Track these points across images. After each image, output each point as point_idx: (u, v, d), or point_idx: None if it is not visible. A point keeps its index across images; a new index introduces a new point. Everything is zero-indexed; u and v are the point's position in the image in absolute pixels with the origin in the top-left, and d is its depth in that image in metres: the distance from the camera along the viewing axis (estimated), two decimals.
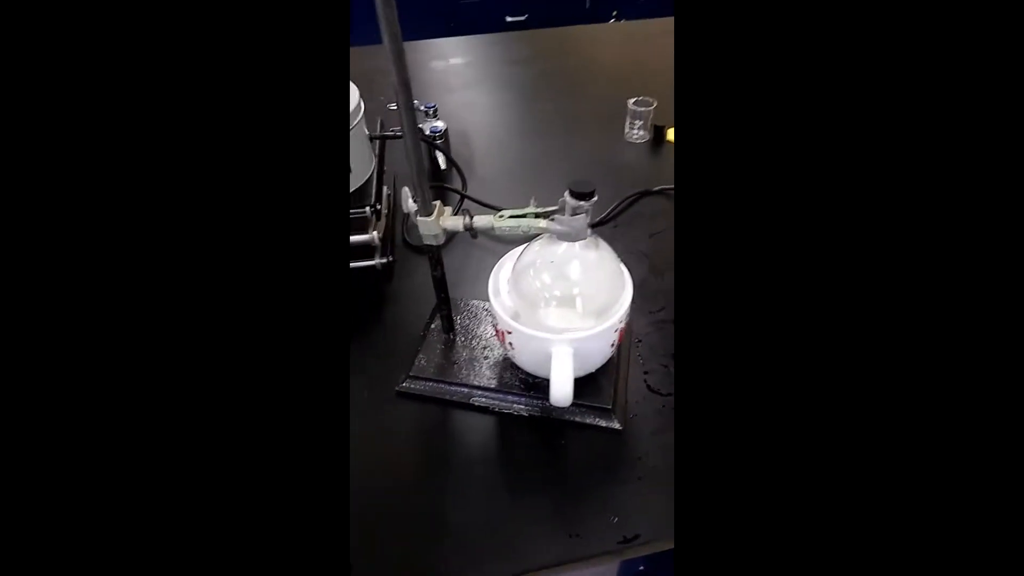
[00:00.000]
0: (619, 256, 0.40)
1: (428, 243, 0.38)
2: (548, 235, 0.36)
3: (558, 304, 0.38)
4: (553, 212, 0.35)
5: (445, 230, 0.37)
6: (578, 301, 0.38)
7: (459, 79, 0.91)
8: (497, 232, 0.36)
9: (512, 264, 0.40)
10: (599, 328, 0.36)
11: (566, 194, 0.34)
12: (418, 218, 0.36)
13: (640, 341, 0.47)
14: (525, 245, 0.39)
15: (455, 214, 0.37)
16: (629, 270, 0.40)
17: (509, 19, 2.18)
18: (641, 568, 0.62)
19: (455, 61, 0.96)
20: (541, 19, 2.18)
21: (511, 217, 0.36)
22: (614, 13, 1.85)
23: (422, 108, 0.65)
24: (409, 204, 0.37)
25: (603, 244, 0.38)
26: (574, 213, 0.34)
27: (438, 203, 0.37)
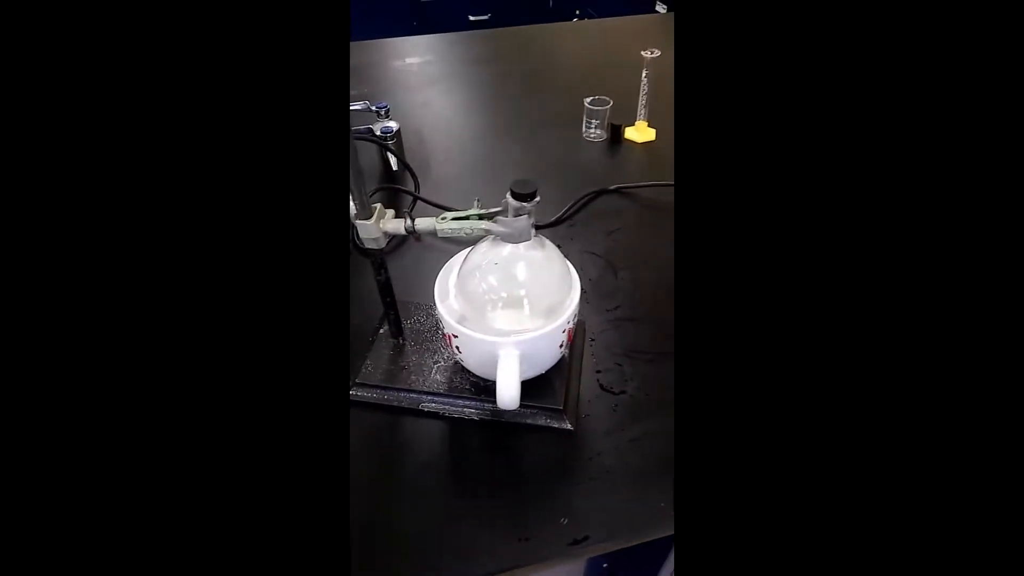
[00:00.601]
0: (575, 255, 0.40)
1: (369, 247, 0.37)
2: (492, 237, 0.36)
3: (505, 306, 0.37)
4: (497, 213, 0.35)
5: (386, 233, 0.36)
6: (525, 302, 0.37)
7: (417, 78, 0.89)
8: (440, 235, 0.35)
9: (458, 266, 0.39)
10: (546, 329, 0.36)
11: (508, 195, 0.33)
12: (356, 221, 0.35)
13: (594, 340, 0.47)
14: (471, 247, 0.39)
15: (401, 214, 0.36)
16: (586, 268, 0.40)
17: (472, 18, 2.17)
18: (605, 565, 0.62)
19: (413, 60, 0.95)
20: (505, 18, 2.18)
21: (454, 219, 0.35)
22: (576, 12, 1.86)
23: (373, 108, 0.64)
24: (350, 207, 0.36)
25: (549, 244, 0.38)
26: (517, 214, 0.34)
27: (379, 206, 0.36)
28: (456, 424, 0.40)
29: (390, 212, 0.37)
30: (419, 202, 0.60)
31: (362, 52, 0.98)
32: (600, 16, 1.69)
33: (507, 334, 0.35)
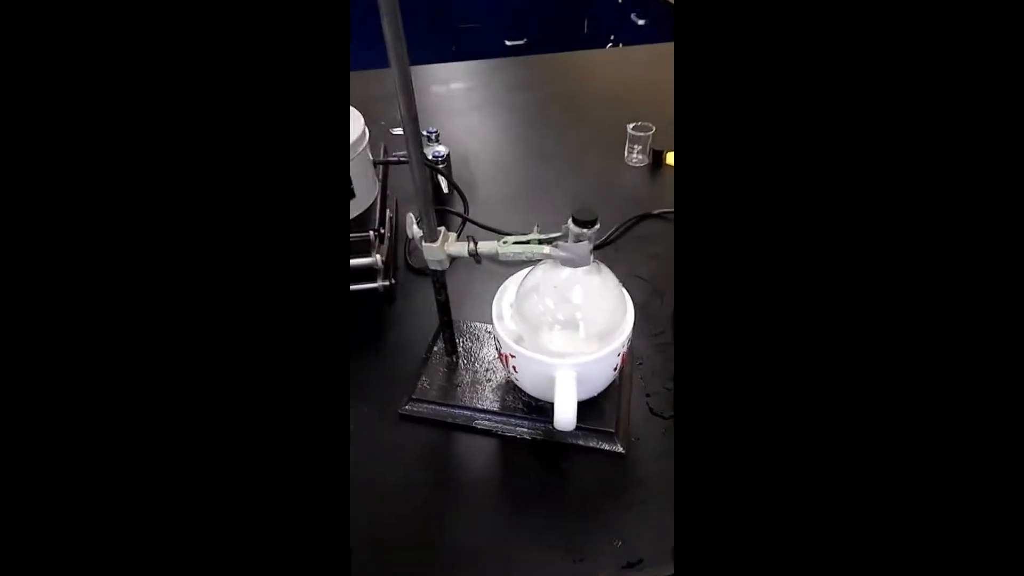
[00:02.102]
0: (620, 278, 0.40)
1: (433, 268, 0.39)
2: (551, 260, 0.37)
3: (561, 328, 0.38)
4: (556, 238, 0.36)
5: (449, 255, 0.38)
6: (581, 325, 0.38)
7: (460, 104, 0.92)
8: (501, 258, 0.37)
9: (515, 288, 0.40)
10: (602, 352, 0.36)
11: (569, 221, 0.35)
12: (423, 244, 0.37)
13: (641, 363, 0.47)
14: (528, 269, 0.40)
15: (458, 237, 0.38)
16: (630, 292, 0.41)
17: (508, 43, 2.23)
18: None
19: (456, 86, 0.98)
20: (540, 43, 2.23)
21: (515, 243, 0.36)
22: (611, 38, 1.89)
23: (424, 133, 0.66)
24: (414, 230, 0.37)
25: (605, 269, 0.39)
26: (577, 240, 0.35)
27: (442, 229, 0.38)
28: (508, 442, 0.41)
29: (452, 235, 0.39)
30: (468, 223, 0.62)
31: None
32: (634, 42, 1.72)
33: (563, 356, 0.36)
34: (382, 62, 0.34)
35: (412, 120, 0.32)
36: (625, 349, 0.38)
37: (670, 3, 1.50)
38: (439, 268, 0.39)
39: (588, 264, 0.36)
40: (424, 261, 0.38)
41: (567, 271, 0.37)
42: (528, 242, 0.36)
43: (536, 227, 0.37)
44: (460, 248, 0.37)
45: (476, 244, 0.37)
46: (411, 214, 0.38)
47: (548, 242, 0.36)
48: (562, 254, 0.35)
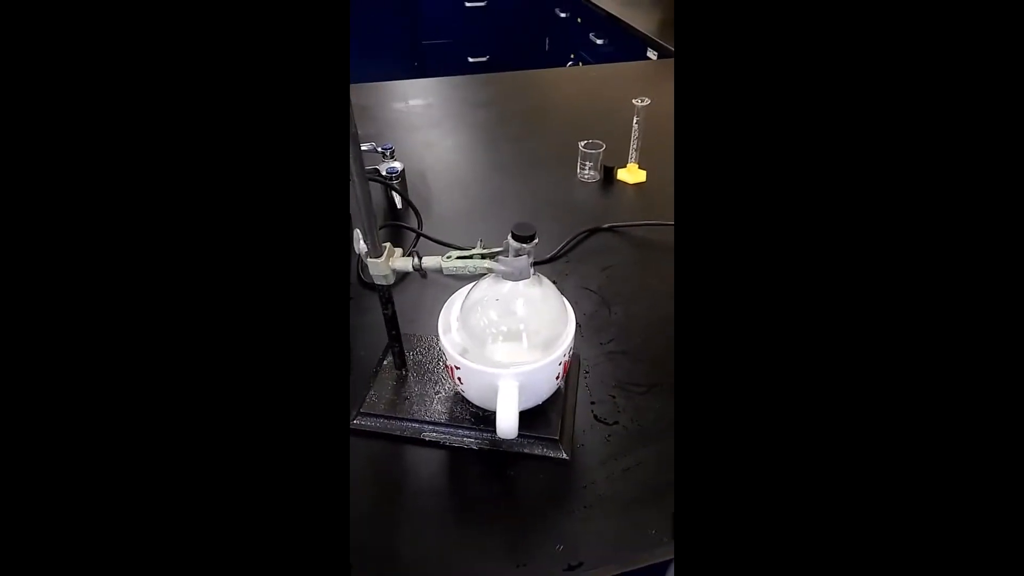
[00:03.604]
0: (570, 291, 0.42)
1: (378, 283, 0.39)
2: (494, 274, 0.38)
3: (505, 339, 0.39)
4: (498, 253, 0.37)
5: (395, 271, 0.39)
6: (524, 336, 0.40)
7: (419, 120, 0.94)
8: (445, 272, 0.38)
9: (461, 302, 0.42)
10: (543, 362, 0.38)
11: (509, 237, 0.36)
12: (368, 259, 0.38)
13: (588, 372, 0.49)
14: (473, 283, 0.41)
15: (409, 253, 0.39)
16: (580, 303, 0.43)
17: (471, 60, 2.26)
18: None
19: (415, 102, 0.99)
20: (502, 60, 2.28)
21: (458, 258, 0.38)
22: (571, 56, 1.95)
23: (379, 149, 0.67)
24: (360, 246, 0.38)
25: (546, 281, 0.41)
26: (517, 254, 0.36)
27: (388, 245, 0.39)
28: (456, 453, 0.42)
29: (398, 251, 0.40)
30: (421, 239, 0.63)
31: (365, 94, 1.03)
32: (594, 60, 1.78)
33: (506, 366, 0.38)
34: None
35: (353, 140, 0.33)
36: (567, 358, 0.40)
37: (626, 24, 1.56)
38: (384, 283, 0.39)
39: (528, 277, 0.38)
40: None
41: (509, 284, 0.38)
42: (471, 256, 0.38)
43: (480, 242, 0.38)
44: (404, 263, 0.38)
45: (420, 259, 0.38)
46: (357, 230, 0.39)
47: (490, 256, 0.38)
48: (503, 268, 0.37)
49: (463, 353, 0.39)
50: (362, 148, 0.70)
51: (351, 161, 0.34)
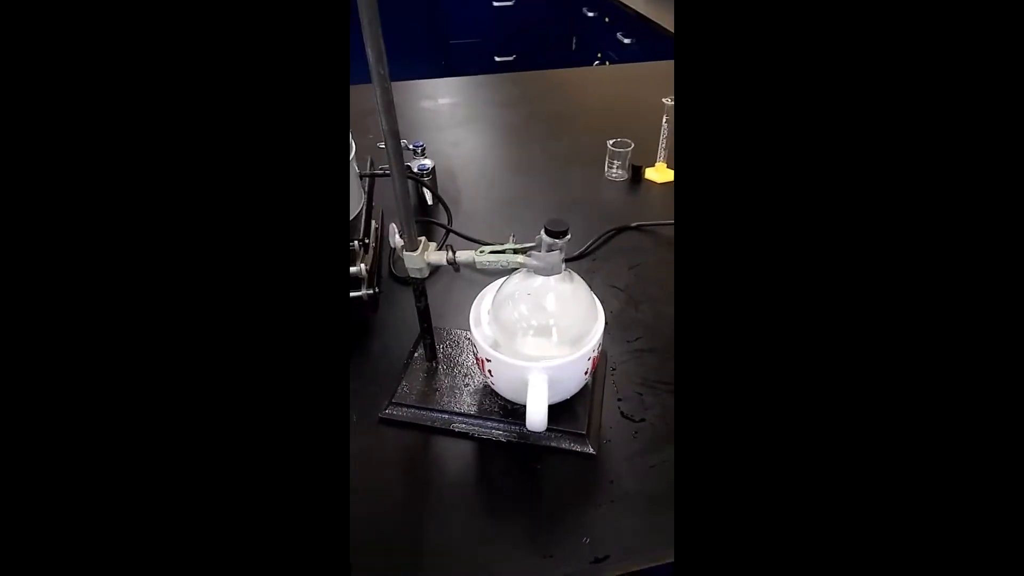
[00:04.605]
0: (598, 288, 0.43)
1: (413, 276, 0.40)
2: (526, 269, 0.39)
3: (535, 334, 0.40)
4: (530, 248, 0.38)
5: (429, 264, 0.40)
6: (554, 331, 0.40)
7: (448, 118, 0.95)
8: (478, 266, 0.39)
9: (492, 296, 0.42)
10: (573, 356, 0.38)
11: (542, 232, 0.37)
12: (404, 252, 0.39)
13: (615, 369, 0.49)
14: (505, 278, 0.42)
15: (440, 248, 0.40)
16: (608, 301, 0.43)
17: (498, 59, 2.27)
18: None
19: (444, 101, 1.01)
20: (529, 59, 2.28)
21: (491, 253, 0.38)
22: (598, 56, 1.94)
23: (411, 147, 0.69)
24: (396, 239, 0.39)
25: (577, 278, 0.41)
26: (549, 250, 0.37)
27: (423, 239, 0.40)
28: (484, 444, 0.43)
29: (432, 244, 0.40)
30: (451, 234, 0.64)
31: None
32: (621, 60, 1.77)
33: (537, 360, 0.38)
34: (365, 77, 0.36)
35: (393, 135, 0.34)
36: (596, 354, 0.40)
37: (655, 23, 1.55)
38: (419, 276, 0.40)
39: (560, 272, 0.38)
40: (406, 270, 0.40)
41: (540, 279, 0.39)
42: (504, 251, 0.38)
43: (512, 237, 0.39)
44: (439, 257, 0.39)
45: (454, 253, 0.39)
46: (394, 224, 0.40)
47: (522, 252, 0.38)
48: (535, 263, 0.37)
49: (494, 346, 0.40)
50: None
51: (392, 163, 0.35)
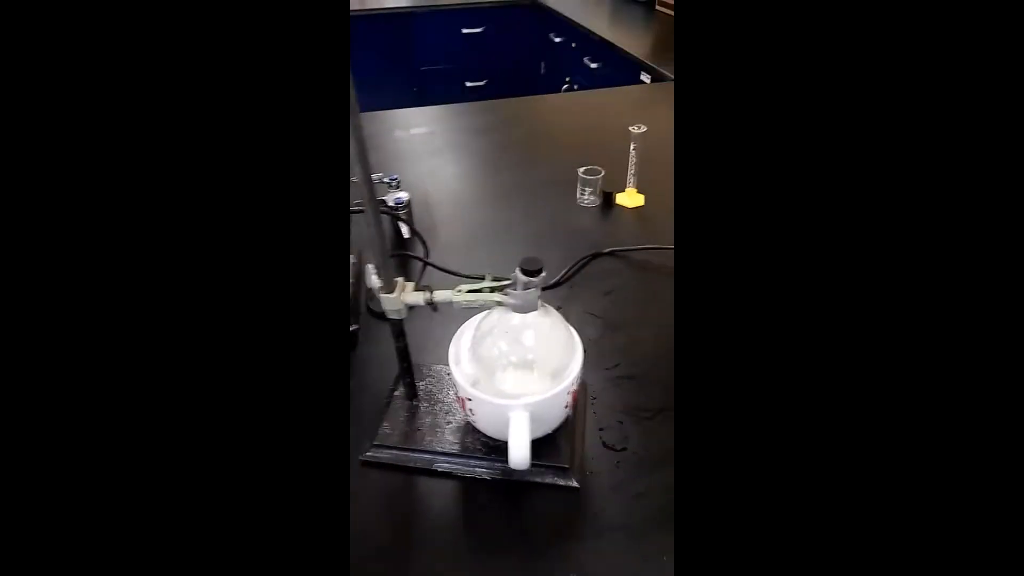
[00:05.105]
0: (574, 316, 0.43)
1: (391, 317, 0.40)
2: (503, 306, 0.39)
3: (515, 369, 0.40)
4: (507, 285, 0.39)
5: (407, 305, 0.40)
6: (534, 366, 0.41)
7: (421, 148, 0.96)
8: (456, 306, 0.39)
9: (471, 333, 0.43)
10: (553, 392, 0.39)
11: (517, 271, 0.37)
12: (381, 295, 0.39)
13: (595, 399, 0.50)
14: (483, 314, 0.42)
15: (417, 281, 0.40)
16: (584, 329, 0.43)
17: (468, 84, 2.31)
18: None
19: (416, 131, 1.02)
20: (499, 85, 2.32)
21: (469, 292, 0.39)
22: (567, 80, 1.99)
23: (385, 180, 0.69)
24: (373, 280, 0.39)
25: (553, 312, 0.42)
26: (525, 287, 0.37)
27: (400, 279, 0.40)
28: (468, 483, 0.43)
29: (410, 285, 0.41)
30: (428, 267, 0.64)
31: (367, 123, 1.05)
32: (589, 83, 1.82)
33: (517, 397, 0.38)
34: None
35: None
36: (575, 387, 0.41)
37: (619, 48, 1.60)
38: (397, 317, 0.40)
39: (536, 309, 0.39)
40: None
41: (518, 316, 0.39)
42: (480, 290, 0.39)
43: (488, 275, 0.40)
44: (417, 298, 0.39)
45: (432, 293, 0.39)
46: (371, 265, 0.40)
47: (499, 289, 0.39)
48: (512, 301, 0.38)
49: (474, 384, 0.40)
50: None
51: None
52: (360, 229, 0.67)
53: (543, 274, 0.37)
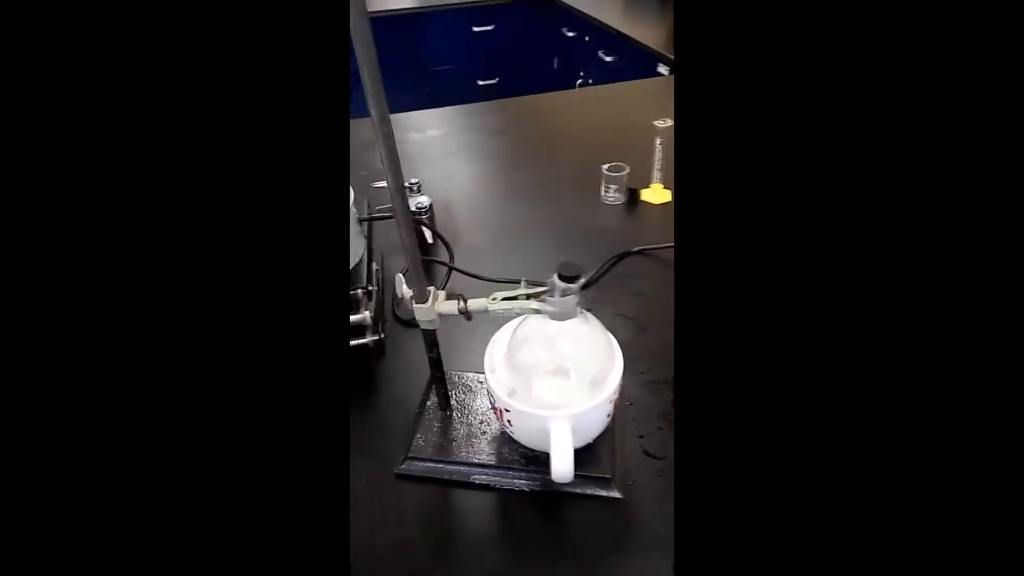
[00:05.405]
0: (605, 318, 0.42)
1: (424, 327, 0.39)
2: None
3: (553, 377, 0.39)
4: (543, 292, 0.37)
5: (440, 315, 0.38)
6: (572, 374, 0.39)
7: (438, 150, 0.95)
8: (491, 314, 0.38)
9: (506, 340, 0.41)
10: (595, 402, 0.37)
11: (555, 277, 0.36)
12: (414, 305, 0.38)
13: (632, 404, 0.48)
14: (518, 320, 0.41)
15: (444, 286, 0.39)
16: (616, 331, 0.42)
17: (481, 83, 2.29)
18: None
19: (432, 133, 1.00)
20: (512, 81, 2.30)
21: (504, 299, 0.37)
22: (580, 74, 1.96)
23: (407, 185, 0.68)
24: (404, 290, 0.38)
25: (592, 318, 0.40)
26: (564, 294, 0.36)
27: (432, 289, 0.39)
28: (506, 496, 0.41)
29: (442, 293, 0.39)
30: (453, 272, 0.63)
31: None
32: (604, 77, 1.79)
33: (556, 406, 0.37)
34: (359, 110, 0.35)
35: (399, 191, 0.33)
36: (617, 396, 0.39)
37: (634, 40, 1.57)
38: (430, 327, 0.39)
39: (575, 316, 0.37)
40: (411, 313, 0.39)
41: (555, 323, 0.38)
42: (516, 297, 0.37)
43: (523, 281, 0.38)
44: (450, 307, 0.38)
45: (466, 302, 0.38)
46: (400, 274, 0.39)
47: (536, 296, 0.37)
48: (550, 308, 0.37)
49: (511, 394, 0.38)
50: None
51: (399, 212, 0.34)
52: (384, 236, 0.66)
53: (582, 280, 0.36)
